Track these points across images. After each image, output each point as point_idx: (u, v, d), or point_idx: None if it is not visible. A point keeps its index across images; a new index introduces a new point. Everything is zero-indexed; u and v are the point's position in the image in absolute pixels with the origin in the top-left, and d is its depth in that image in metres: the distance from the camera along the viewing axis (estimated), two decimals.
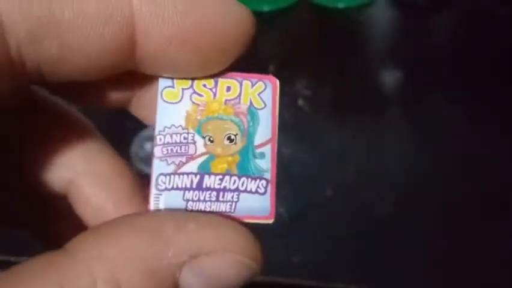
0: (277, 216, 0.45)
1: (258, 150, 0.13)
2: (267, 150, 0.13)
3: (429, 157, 0.49)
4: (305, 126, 0.54)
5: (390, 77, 0.60)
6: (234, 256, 0.12)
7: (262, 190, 0.13)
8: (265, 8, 0.74)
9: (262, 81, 0.14)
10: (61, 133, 0.17)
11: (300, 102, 0.57)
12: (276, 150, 0.14)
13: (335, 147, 0.51)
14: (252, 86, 0.14)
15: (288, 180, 0.48)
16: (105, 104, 0.15)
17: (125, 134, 0.53)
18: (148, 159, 0.51)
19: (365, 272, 0.41)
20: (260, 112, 0.14)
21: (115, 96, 0.15)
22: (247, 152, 0.13)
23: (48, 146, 0.16)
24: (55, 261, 0.11)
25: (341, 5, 0.71)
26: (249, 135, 0.13)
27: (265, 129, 0.13)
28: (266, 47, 0.70)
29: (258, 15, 0.72)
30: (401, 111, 0.56)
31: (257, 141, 0.13)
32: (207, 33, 0.13)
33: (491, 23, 0.64)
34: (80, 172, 0.16)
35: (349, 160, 0.50)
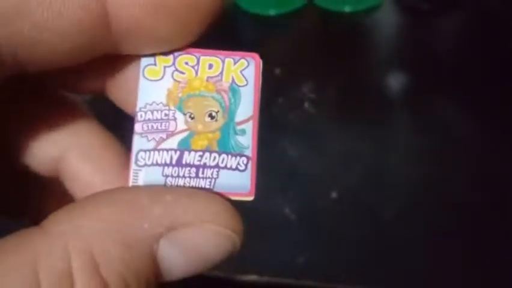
0: (283, 218, 0.46)
1: (238, 127, 0.13)
2: (248, 127, 0.13)
3: (435, 160, 0.49)
4: (311, 128, 0.55)
5: (396, 80, 0.60)
6: (213, 226, 0.12)
7: (242, 167, 0.13)
8: (272, 12, 0.74)
9: (244, 58, 0.14)
10: (47, 111, 0.16)
11: (306, 105, 0.57)
12: (257, 128, 0.13)
13: (341, 150, 0.52)
14: (235, 63, 0.14)
15: (293, 181, 0.49)
16: (85, 90, 0.15)
17: (130, 136, 0.53)
18: None
19: (370, 273, 0.41)
20: (242, 89, 0.13)
21: (95, 81, 0.15)
22: (228, 129, 0.13)
23: (34, 125, 0.16)
24: (29, 236, 0.11)
25: (347, 9, 0.72)
26: (230, 112, 0.13)
27: (247, 107, 0.13)
28: (272, 50, 0.70)
29: (265, 19, 0.73)
30: (407, 114, 0.56)
31: (238, 118, 0.13)
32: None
33: (497, 26, 0.64)
34: (68, 147, 0.16)
35: (354, 162, 0.50)
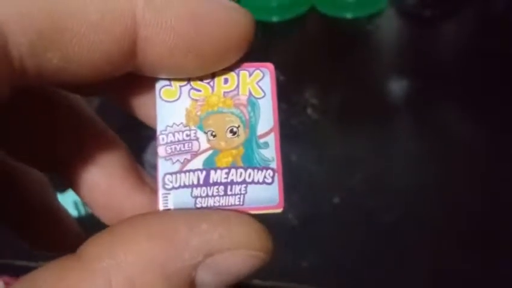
0: (286, 223, 0.46)
1: (261, 140, 0.13)
2: (271, 139, 0.13)
3: (438, 165, 0.50)
4: (314, 134, 0.55)
5: (398, 86, 0.60)
6: (247, 252, 0.13)
7: (269, 180, 0.13)
8: (275, 19, 0.75)
9: (259, 69, 0.14)
10: (52, 114, 0.16)
11: (309, 111, 0.58)
12: (279, 139, 0.13)
13: (343, 155, 0.52)
14: (250, 75, 0.14)
15: (296, 187, 0.49)
16: (99, 95, 0.16)
17: (139, 142, 0.54)
18: None
19: (371, 278, 0.41)
20: (260, 101, 0.13)
21: (112, 93, 0.16)
22: (251, 143, 0.13)
23: (39, 127, 0.16)
24: (71, 269, 0.11)
25: (349, 15, 0.72)
26: (251, 126, 0.13)
27: (267, 118, 0.13)
28: (275, 56, 0.71)
29: (268, 26, 0.74)
30: (409, 120, 0.57)
31: (260, 131, 0.13)
32: (209, 40, 0.13)
33: (499, 31, 0.64)
34: (73, 149, 0.16)
35: (357, 168, 0.50)
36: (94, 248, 0.12)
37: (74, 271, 0.11)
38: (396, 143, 0.53)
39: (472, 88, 0.57)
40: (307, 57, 0.69)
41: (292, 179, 0.50)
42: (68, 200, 0.44)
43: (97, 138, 0.17)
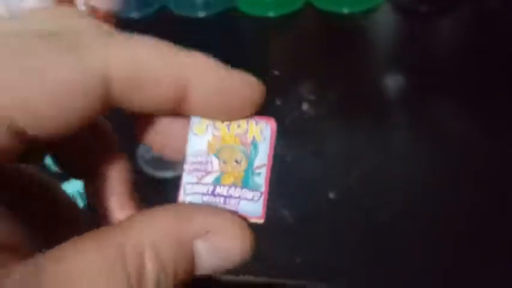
0: (281, 218, 0.46)
1: (256, 171, 0.18)
2: (263, 171, 0.18)
3: (434, 161, 0.50)
4: (309, 130, 0.55)
5: (394, 82, 0.60)
6: (233, 232, 0.17)
7: (256, 199, 0.18)
8: (271, 14, 0.74)
9: (264, 121, 0.18)
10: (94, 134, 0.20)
11: (305, 106, 0.58)
12: (270, 172, 0.18)
13: (339, 151, 0.52)
14: (256, 124, 0.18)
15: (291, 183, 0.49)
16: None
17: (133, 138, 0.53)
18: (152, 162, 0.52)
19: (367, 275, 0.41)
20: (260, 144, 0.18)
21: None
22: (248, 172, 0.18)
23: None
24: (114, 238, 0.15)
25: (345, 11, 0.72)
26: (250, 160, 0.18)
27: (263, 157, 0.18)
28: (271, 51, 0.70)
29: (264, 21, 0.74)
30: (405, 116, 0.57)
31: (256, 164, 0.18)
32: (234, 102, 0.18)
33: (495, 27, 0.64)
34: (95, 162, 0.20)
35: (352, 164, 0.50)
36: (131, 222, 0.16)
37: (115, 237, 0.15)
38: (393, 138, 0.53)
39: (468, 84, 0.57)
40: (303, 52, 0.68)
41: (287, 175, 0.50)
42: (73, 189, 0.47)
43: (111, 154, 0.21)
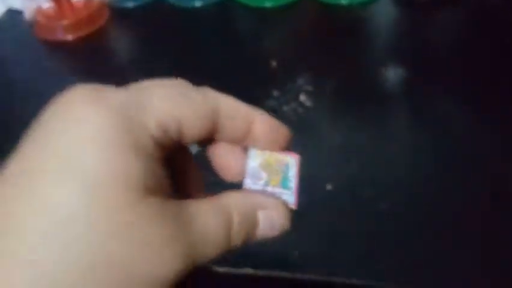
0: None
1: (289, 179, 0.26)
2: (293, 180, 0.26)
3: (431, 152, 0.49)
4: (307, 121, 0.55)
5: (392, 73, 0.60)
6: (282, 211, 0.24)
7: (290, 194, 0.25)
8: (268, 4, 0.74)
9: (292, 156, 0.26)
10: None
11: (302, 97, 0.57)
12: (296, 181, 0.26)
13: (336, 142, 0.52)
14: (287, 155, 0.26)
15: None
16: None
17: None
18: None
19: (365, 266, 0.41)
20: (290, 166, 0.26)
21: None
22: (285, 179, 0.26)
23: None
24: (219, 200, 0.23)
25: (344, 2, 0.71)
26: (284, 174, 0.26)
27: (292, 174, 0.26)
28: (269, 42, 0.70)
29: (261, 12, 0.73)
30: (403, 107, 0.56)
31: (289, 175, 0.26)
32: (280, 137, 0.26)
33: (495, 19, 0.64)
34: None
35: (350, 155, 0.50)
36: (228, 198, 0.23)
37: (218, 201, 0.23)
38: (391, 129, 0.53)
39: (468, 76, 0.57)
40: (300, 43, 0.68)
41: None
42: None
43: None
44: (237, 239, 0.23)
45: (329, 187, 0.47)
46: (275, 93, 0.58)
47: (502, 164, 0.47)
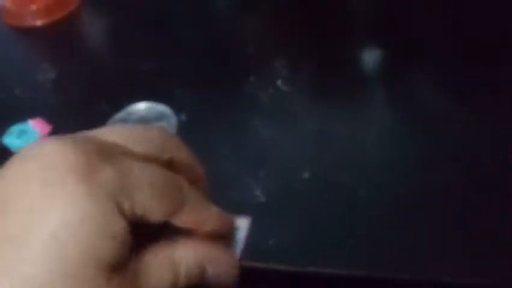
0: (253, 199, 0.44)
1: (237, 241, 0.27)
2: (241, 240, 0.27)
3: (411, 138, 0.49)
4: (284, 107, 0.53)
5: (371, 57, 0.59)
6: (226, 263, 0.25)
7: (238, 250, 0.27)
8: None
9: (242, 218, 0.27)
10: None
11: (279, 82, 0.56)
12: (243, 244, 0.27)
13: (314, 129, 0.50)
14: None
15: (264, 162, 0.47)
16: None
17: (99, 116, 0.52)
18: None
19: (342, 255, 0.40)
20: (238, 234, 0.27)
21: None
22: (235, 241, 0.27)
23: None
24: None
25: None
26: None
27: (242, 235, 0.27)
28: (244, 28, 0.68)
29: None
30: (382, 92, 0.55)
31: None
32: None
33: (479, 1, 0.63)
34: None
35: (327, 142, 0.49)
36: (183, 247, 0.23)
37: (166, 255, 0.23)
38: (369, 115, 0.52)
39: (450, 59, 0.56)
40: (277, 27, 0.67)
41: (261, 153, 0.49)
42: None
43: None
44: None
45: (306, 175, 0.46)
46: (252, 78, 0.57)
47: (485, 151, 0.46)
